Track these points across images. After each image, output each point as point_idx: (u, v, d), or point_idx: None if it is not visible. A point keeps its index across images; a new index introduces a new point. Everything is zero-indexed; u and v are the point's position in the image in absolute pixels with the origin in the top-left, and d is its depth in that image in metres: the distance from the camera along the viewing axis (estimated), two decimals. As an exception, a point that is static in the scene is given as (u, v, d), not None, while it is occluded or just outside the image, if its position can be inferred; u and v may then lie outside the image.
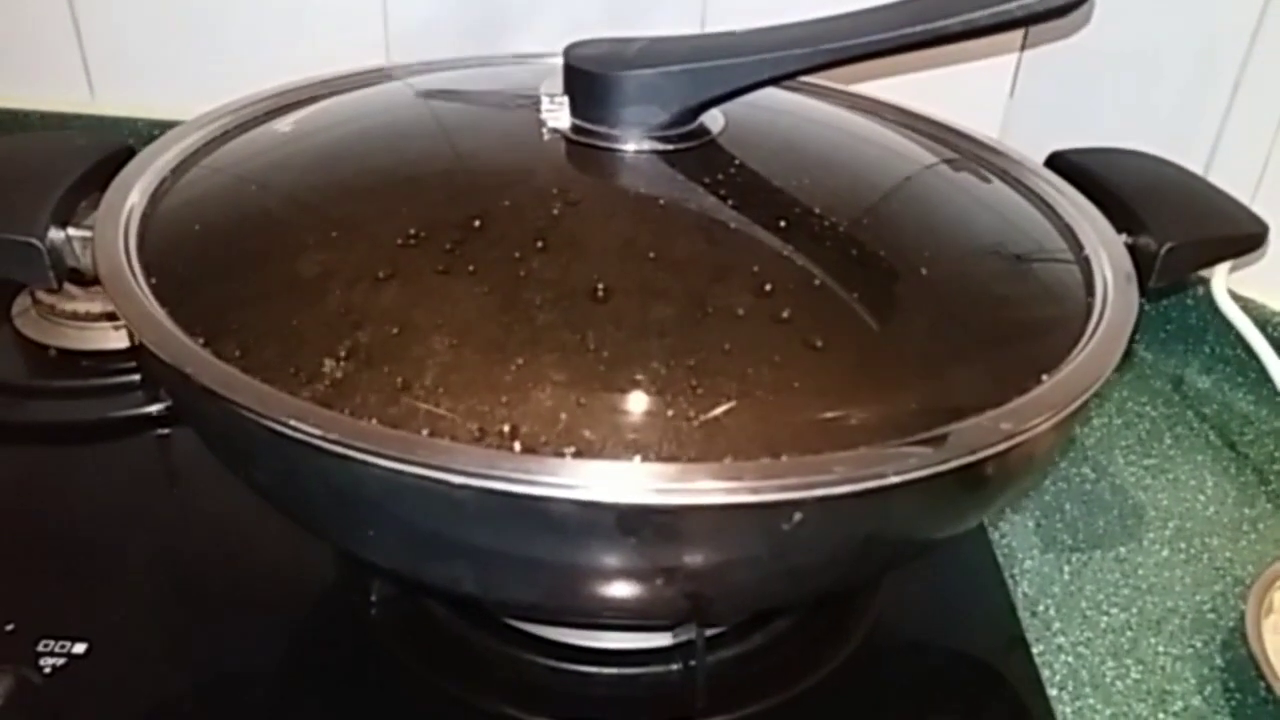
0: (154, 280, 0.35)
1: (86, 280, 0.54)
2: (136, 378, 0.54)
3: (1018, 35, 0.63)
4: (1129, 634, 0.45)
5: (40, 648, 0.41)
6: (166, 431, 0.53)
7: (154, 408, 0.53)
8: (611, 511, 0.29)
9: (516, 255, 0.34)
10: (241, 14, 0.67)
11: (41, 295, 0.59)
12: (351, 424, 0.30)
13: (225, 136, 0.44)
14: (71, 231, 0.38)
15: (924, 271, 0.37)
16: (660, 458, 0.29)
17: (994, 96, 0.65)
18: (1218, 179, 0.47)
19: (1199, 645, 0.45)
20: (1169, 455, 0.56)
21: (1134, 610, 0.46)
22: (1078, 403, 0.33)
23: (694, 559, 0.31)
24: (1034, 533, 0.50)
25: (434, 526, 0.31)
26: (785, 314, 0.33)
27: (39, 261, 0.37)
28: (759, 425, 0.30)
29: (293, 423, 0.29)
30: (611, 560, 0.30)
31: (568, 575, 0.32)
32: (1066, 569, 0.48)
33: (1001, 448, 0.31)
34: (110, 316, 0.57)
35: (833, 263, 0.36)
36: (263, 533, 0.46)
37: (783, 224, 0.36)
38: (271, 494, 0.35)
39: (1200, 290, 0.61)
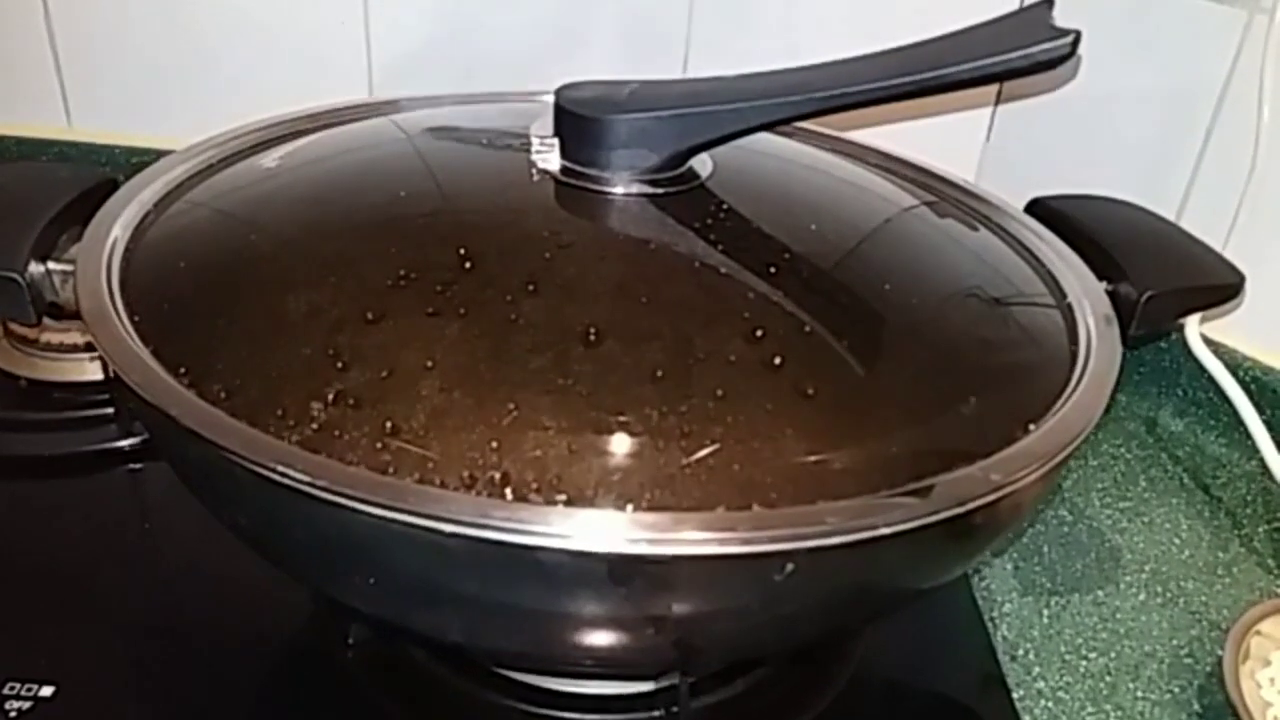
0: (137, 318, 0.35)
1: (63, 313, 0.53)
2: (109, 410, 0.54)
3: (993, 86, 0.64)
4: (1108, 679, 0.45)
5: (6, 690, 0.39)
6: (139, 466, 0.52)
7: (126, 442, 0.52)
8: (603, 561, 0.29)
9: (508, 298, 0.34)
10: (220, 43, 0.66)
11: (14, 325, 0.57)
12: (340, 470, 0.29)
13: (210, 170, 0.43)
14: (52, 265, 0.37)
15: (913, 318, 0.37)
16: (652, 506, 0.29)
17: (970, 142, 0.66)
18: (1190, 226, 0.48)
19: (1176, 690, 0.45)
20: (1144, 498, 0.57)
21: (1112, 655, 0.47)
22: (1064, 453, 0.33)
23: (685, 609, 0.30)
24: (1013, 576, 0.51)
25: (422, 574, 0.30)
26: (777, 360, 0.33)
27: (19, 296, 0.36)
28: (751, 473, 0.30)
29: (279, 468, 0.29)
30: (602, 610, 0.30)
31: (557, 624, 0.31)
32: (1045, 612, 0.49)
33: (991, 498, 0.31)
34: (85, 348, 0.56)
35: (823, 309, 0.36)
36: (237, 572, 0.45)
37: (772, 270, 0.36)
38: (255, 539, 0.35)
39: (1174, 334, 0.62)
